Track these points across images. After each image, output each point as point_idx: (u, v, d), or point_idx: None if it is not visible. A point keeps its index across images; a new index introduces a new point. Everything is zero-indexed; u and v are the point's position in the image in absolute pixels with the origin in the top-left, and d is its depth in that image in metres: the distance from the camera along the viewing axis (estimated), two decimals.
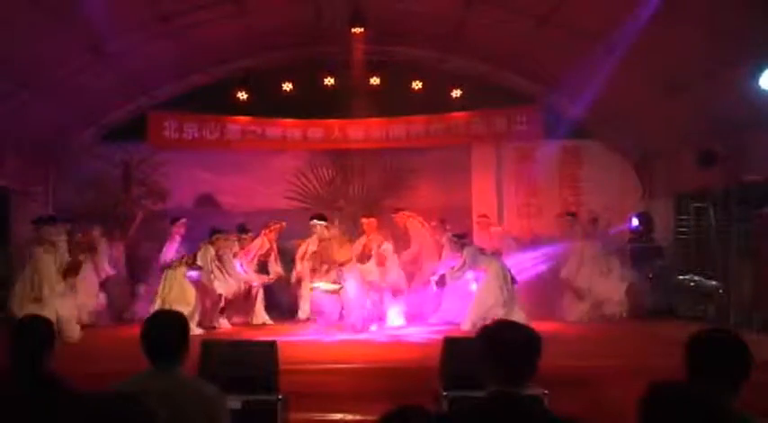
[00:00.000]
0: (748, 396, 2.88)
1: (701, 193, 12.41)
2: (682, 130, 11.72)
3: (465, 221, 13.68)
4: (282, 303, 12.92)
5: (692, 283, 12.15)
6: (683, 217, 13.20)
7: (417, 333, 10.82)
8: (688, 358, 2.95)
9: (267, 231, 12.42)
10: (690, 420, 2.13)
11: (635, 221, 13.10)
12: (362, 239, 12.51)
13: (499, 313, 10.55)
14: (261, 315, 12.22)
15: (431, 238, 12.78)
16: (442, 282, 11.66)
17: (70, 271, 10.53)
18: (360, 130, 13.71)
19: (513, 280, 11.41)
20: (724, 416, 2.12)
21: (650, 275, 12.75)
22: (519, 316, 10.33)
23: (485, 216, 13.51)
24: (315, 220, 11.71)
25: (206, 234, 11.78)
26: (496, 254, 11.90)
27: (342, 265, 11.17)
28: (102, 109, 13.05)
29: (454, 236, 11.95)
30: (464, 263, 11.43)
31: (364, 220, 12.70)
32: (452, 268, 11.58)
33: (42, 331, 3.79)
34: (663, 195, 13.42)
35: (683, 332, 3.33)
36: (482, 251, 11.70)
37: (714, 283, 11.71)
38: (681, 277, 12.40)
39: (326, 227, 11.61)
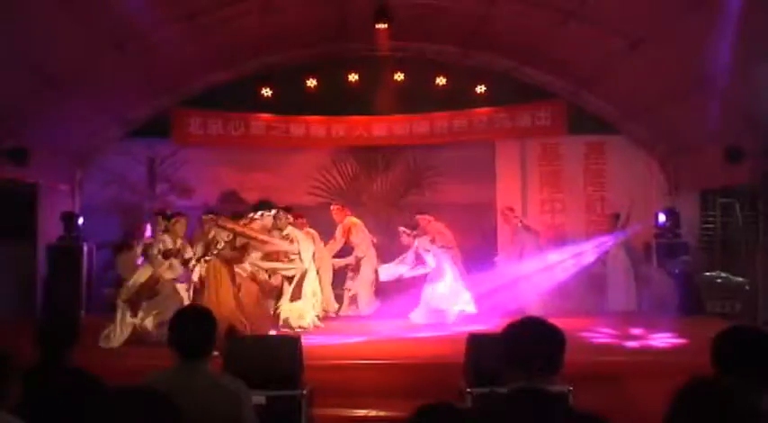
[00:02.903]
0: None
1: (727, 189, 12.27)
2: (708, 125, 11.58)
3: (488, 217, 13.80)
4: None
5: (718, 280, 12.02)
6: (709, 213, 13.06)
7: (440, 329, 10.80)
8: (715, 355, 2.93)
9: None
10: (723, 419, 2.10)
11: (661, 217, 12.96)
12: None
13: (446, 304, 11.23)
14: None
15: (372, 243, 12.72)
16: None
17: None
18: (383, 127, 13.72)
19: (461, 273, 11.64)
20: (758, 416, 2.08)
21: (676, 272, 12.63)
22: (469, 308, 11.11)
23: (510, 208, 13.39)
24: None
25: None
26: (445, 247, 11.94)
27: None
28: (128, 106, 13.12)
29: (406, 228, 11.97)
30: (413, 254, 11.56)
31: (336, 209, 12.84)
32: (401, 260, 11.70)
33: (66, 327, 3.84)
34: (689, 191, 13.27)
35: (710, 329, 3.30)
36: (432, 242, 11.75)
37: (741, 279, 11.58)
38: (707, 274, 12.27)
39: None
